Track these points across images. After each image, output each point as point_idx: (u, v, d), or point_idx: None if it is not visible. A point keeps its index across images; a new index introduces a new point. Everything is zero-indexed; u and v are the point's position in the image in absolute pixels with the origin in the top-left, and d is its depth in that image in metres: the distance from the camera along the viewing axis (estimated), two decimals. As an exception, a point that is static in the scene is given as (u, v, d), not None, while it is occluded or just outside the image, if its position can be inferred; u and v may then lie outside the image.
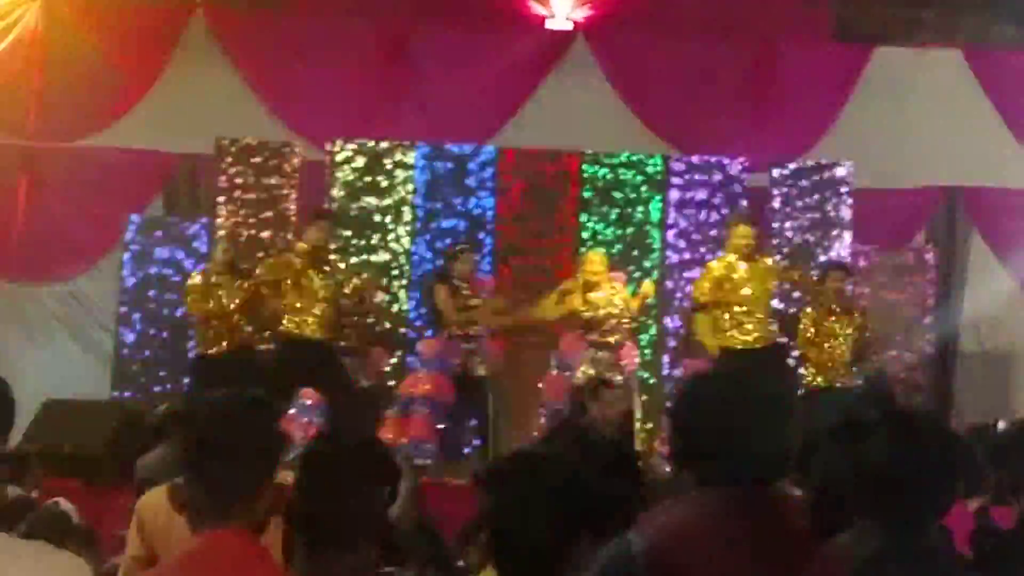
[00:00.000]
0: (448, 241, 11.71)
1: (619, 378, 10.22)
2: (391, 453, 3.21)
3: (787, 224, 12.20)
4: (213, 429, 2.57)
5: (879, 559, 2.67)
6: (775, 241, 12.07)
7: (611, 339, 10.54)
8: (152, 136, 12.48)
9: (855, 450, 2.78)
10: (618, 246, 11.92)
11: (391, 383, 11.26)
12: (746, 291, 10.31)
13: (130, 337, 11.99)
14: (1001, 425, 8.51)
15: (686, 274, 11.98)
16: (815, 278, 10.87)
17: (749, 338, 10.33)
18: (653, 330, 11.83)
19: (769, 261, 10.86)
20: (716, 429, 2.71)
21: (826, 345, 10.44)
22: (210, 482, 2.53)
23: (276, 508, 2.60)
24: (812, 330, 10.50)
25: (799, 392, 10.06)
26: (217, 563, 2.47)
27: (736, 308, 10.34)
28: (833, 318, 10.48)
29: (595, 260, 10.78)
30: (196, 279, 10.70)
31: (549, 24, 12.92)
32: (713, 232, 12.07)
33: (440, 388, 10.54)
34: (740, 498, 2.68)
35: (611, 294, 10.66)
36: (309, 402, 10.54)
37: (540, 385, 11.04)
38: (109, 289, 12.35)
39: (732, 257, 10.48)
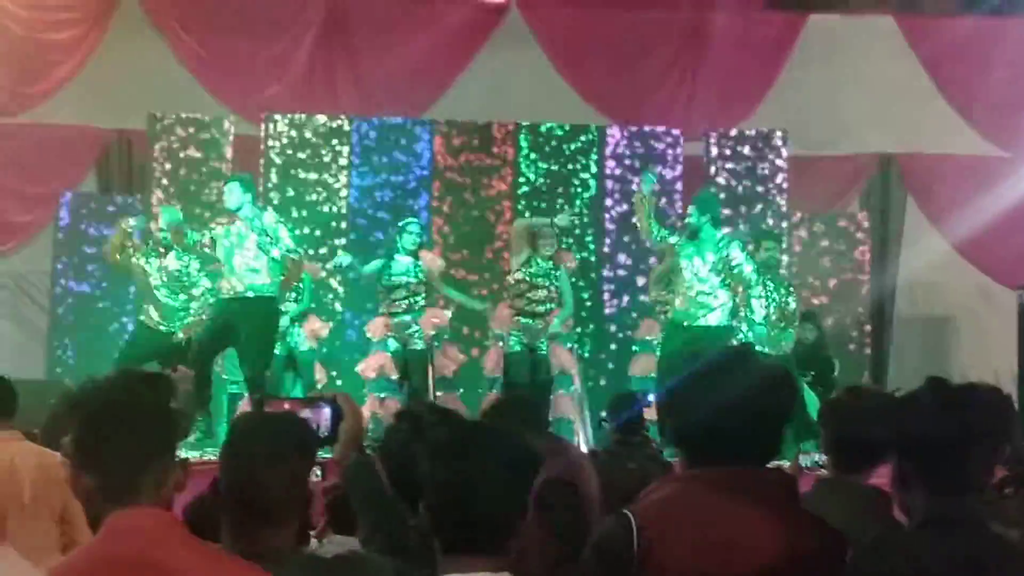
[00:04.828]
0: (382, 215, 11.62)
1: (543, 348, 10.38)
2: (309, 425, 3.17)
3: (722, 194, 12.25)
4: (102, 409, 2.50)
5: (927, 526, 2.77)
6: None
7: (540, 308, 10.48)
8: (85, 113, 12.36)
9: (901, 417, 2.85)
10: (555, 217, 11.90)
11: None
12: (691, 271, 10.01)
13: (65, 316, 11.89)
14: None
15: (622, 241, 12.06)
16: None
17: (707, 319, 10.06)
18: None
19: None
20: (705, 415, 2.85)
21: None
22: (104, 463, 2.45)
23: (182, 486, 2.53)
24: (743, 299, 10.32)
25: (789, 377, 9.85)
26: (130, 541, 2.40)
27: (684, 288, 10.05)
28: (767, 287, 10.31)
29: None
30: (115, 241, 10.06)
31: (484, -5, 12.90)
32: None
33: (383, 367, 10.45)
34: (728, 478, 2.82)
35: (547, 267, 10.45)
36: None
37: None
38: (43, 267, 12.23)
39: (675, 237, 10.17)
